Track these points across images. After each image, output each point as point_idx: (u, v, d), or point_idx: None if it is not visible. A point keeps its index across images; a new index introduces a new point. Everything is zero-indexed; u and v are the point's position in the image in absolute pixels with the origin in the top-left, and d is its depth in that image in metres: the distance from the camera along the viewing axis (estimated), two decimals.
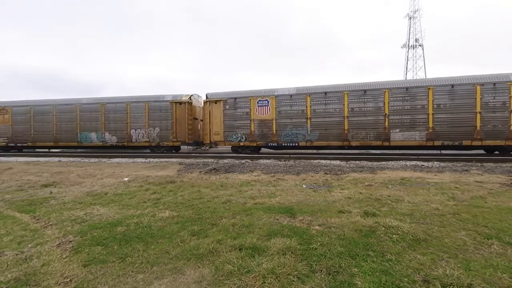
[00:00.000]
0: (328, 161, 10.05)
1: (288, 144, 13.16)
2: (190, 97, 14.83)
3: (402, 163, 9.16)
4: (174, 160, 11.56)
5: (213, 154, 13.54)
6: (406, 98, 11.58)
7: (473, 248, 2.43)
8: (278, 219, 3.32)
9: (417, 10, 44.87)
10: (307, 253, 2.35)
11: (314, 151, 14.45)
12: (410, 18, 45.64)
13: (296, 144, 13.06)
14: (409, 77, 44.59)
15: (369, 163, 9.30)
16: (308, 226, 3.08)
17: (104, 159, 12.31)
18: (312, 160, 10.39)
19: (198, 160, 11.10)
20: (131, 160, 11.98)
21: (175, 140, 14.77)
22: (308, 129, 12.82)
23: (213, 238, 2.71)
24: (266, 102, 13.43)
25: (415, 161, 9.45)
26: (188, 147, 15.70)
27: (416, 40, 45.24)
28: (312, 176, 6.78)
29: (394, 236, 2.69)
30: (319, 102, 12.74)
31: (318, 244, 2.53)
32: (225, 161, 10.78)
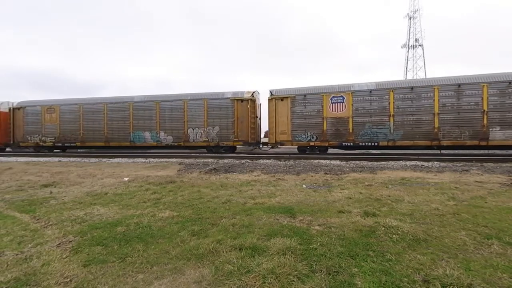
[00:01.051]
0: (328, 161, 10.05)
1: (366, 144, 12.20)
2: (252, 94, 13.98)
3: (402, 163, 9.16)
4: (174, 160, 11.56)
5: (213, 154, 13.53)
6: (509, 93, 10.52)
7: (473, 248, 2.43)
8: (278, 219, 3.32)
9: (417, 10, 44.95)
10: (307, 253, 2.35)
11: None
12: (410, 18, 45.71)
13: (376, 144, 12.13)
14: (409, 77, 44.65)
15: (369, 163, 9.30)
16: (308, 226, 3.08)
17: (104, 159, 12.30)
18: (312, 160, 10.39)
19: (198, 160, 11.10)
20: (131, 160, 11.98)
21: (236, 139, 13.96)
22: (391, 127, 11.77)
23: (213, 238, 2.71)
24: (341, 98, 12.42)
25: (415, 161, 9.45)
26: (250, 147, 14.70)
27: (416, 40, 45.30)
28: (312, 176, 6.78)
29: (394, 236, 2.69)
30: (404, 97, 11.69)
31: (318, 244, 2.53)
32: (225, 161, 10.78)
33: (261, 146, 15.51)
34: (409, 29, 45.87)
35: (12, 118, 16.75)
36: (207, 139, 14.27)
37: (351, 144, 12.48)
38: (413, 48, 45.62)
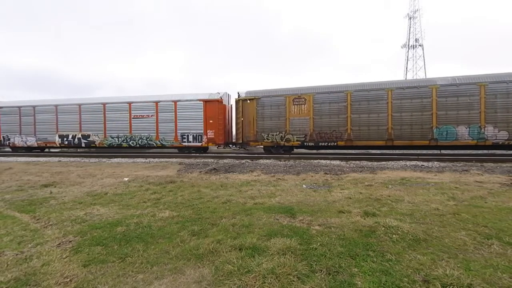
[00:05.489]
0: (328, 161, 10.05)
1: None
2: None
3: (402, 163, 9.16)
4: (174, 160, 11.56)
5: (213, 154, 13.53)
6: None
7: (473, 248, 2.43)
8: (278, 219, 3.32)
9: (417, 10, 44.91)
10: (307, 253, 2.35)
11: (314, 150, 14.22)
12: (410, 18, 45.68)
13: None
14: (409, 77, 44.63)
15: (369, 163, 9.30)
16: (308, 226, 3.08)
17: (104, 159, 12.30)
18: (312, 160, 10.39)
19: (198, 160, 11.10)
20: (131, 160, 11.98)
21: None
22: None
23: (213, 238, 2.71)
24: None
25: (415, 161, 9.45)
26: None
27: (416, 40, 45.27)
28: (312, 176, 6.78)
29: (394, 236, 2.69)
30: None
31: (318, 244, 2.53)
32: (225, 161, 10.78)
33: None
34: (409, 29, 45.87)
35: (241, 111, 13.60)
36: None
37: None
38: (413, 48, 45.60)
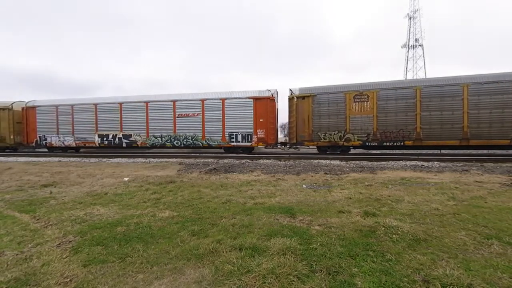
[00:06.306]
0: (328, 161, 10.05)
1: None
2: None
3: (402, 163, 9.16)
4: (174, 160, 11.56)
5: (213, 154, 13.53)
6: None
7: (473, 248, 2.43)
8: (278, 219, 3.32)
9: (417, 10, 44.99)
10: (307, 253, 2.35)
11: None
12: (410, 18, 45.76)
13: None
14: (409, 77, 44.64)
15: (369, 163, 9.30)
16: (308, 226, 3.08)
17: (104, 159, 12.30)
18: (312, 160, 10.39)
19: (198, 160, 11.10)
20: (131, 160, 11.98)
21: None
22: None
23: (213, 238, 2.71)
24: None
25: (415, 161, 9.45)
26: None
27: (416, 40, 45.35)
28: (312, 176, 6.78)
29: (394, 236, 2.69)
30: None
31: (318, 244, 2.53)
32: (225, 161, 10.77)
33: None
34: (409, 29, 45.94)
35: (295, 109, 12.81)
36: None
37: None
38: (413, 48, 45.68)
